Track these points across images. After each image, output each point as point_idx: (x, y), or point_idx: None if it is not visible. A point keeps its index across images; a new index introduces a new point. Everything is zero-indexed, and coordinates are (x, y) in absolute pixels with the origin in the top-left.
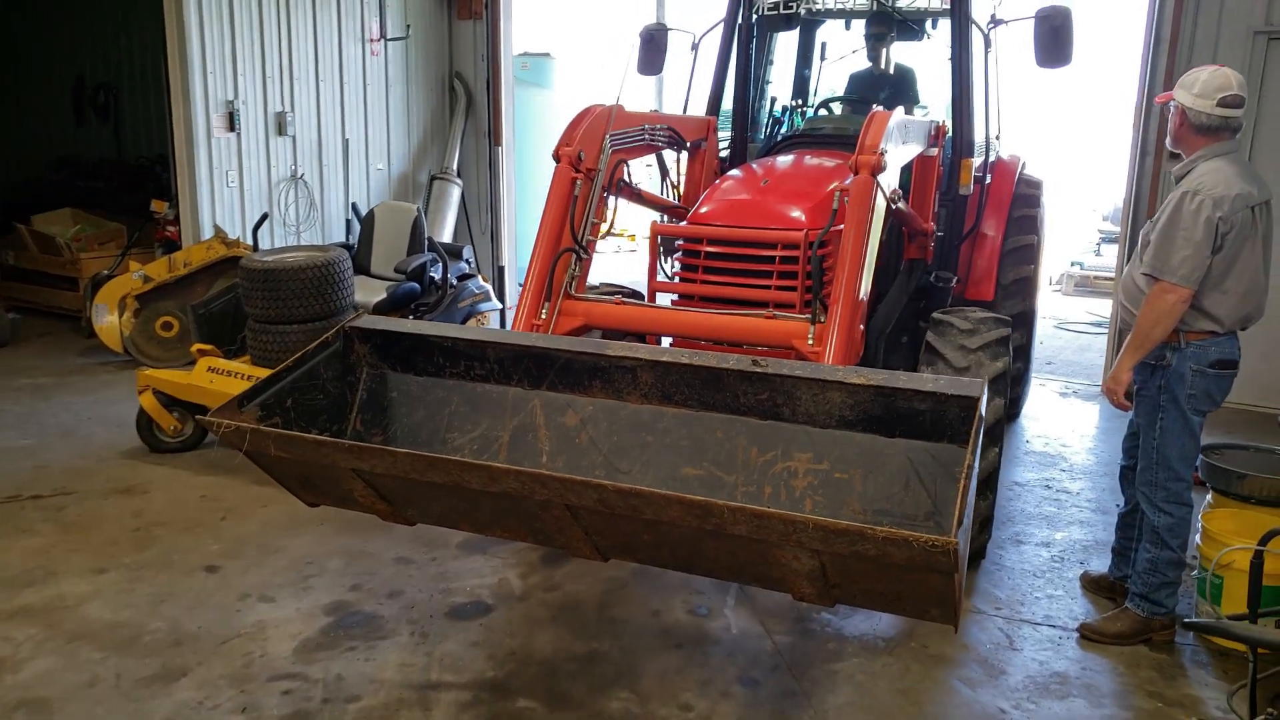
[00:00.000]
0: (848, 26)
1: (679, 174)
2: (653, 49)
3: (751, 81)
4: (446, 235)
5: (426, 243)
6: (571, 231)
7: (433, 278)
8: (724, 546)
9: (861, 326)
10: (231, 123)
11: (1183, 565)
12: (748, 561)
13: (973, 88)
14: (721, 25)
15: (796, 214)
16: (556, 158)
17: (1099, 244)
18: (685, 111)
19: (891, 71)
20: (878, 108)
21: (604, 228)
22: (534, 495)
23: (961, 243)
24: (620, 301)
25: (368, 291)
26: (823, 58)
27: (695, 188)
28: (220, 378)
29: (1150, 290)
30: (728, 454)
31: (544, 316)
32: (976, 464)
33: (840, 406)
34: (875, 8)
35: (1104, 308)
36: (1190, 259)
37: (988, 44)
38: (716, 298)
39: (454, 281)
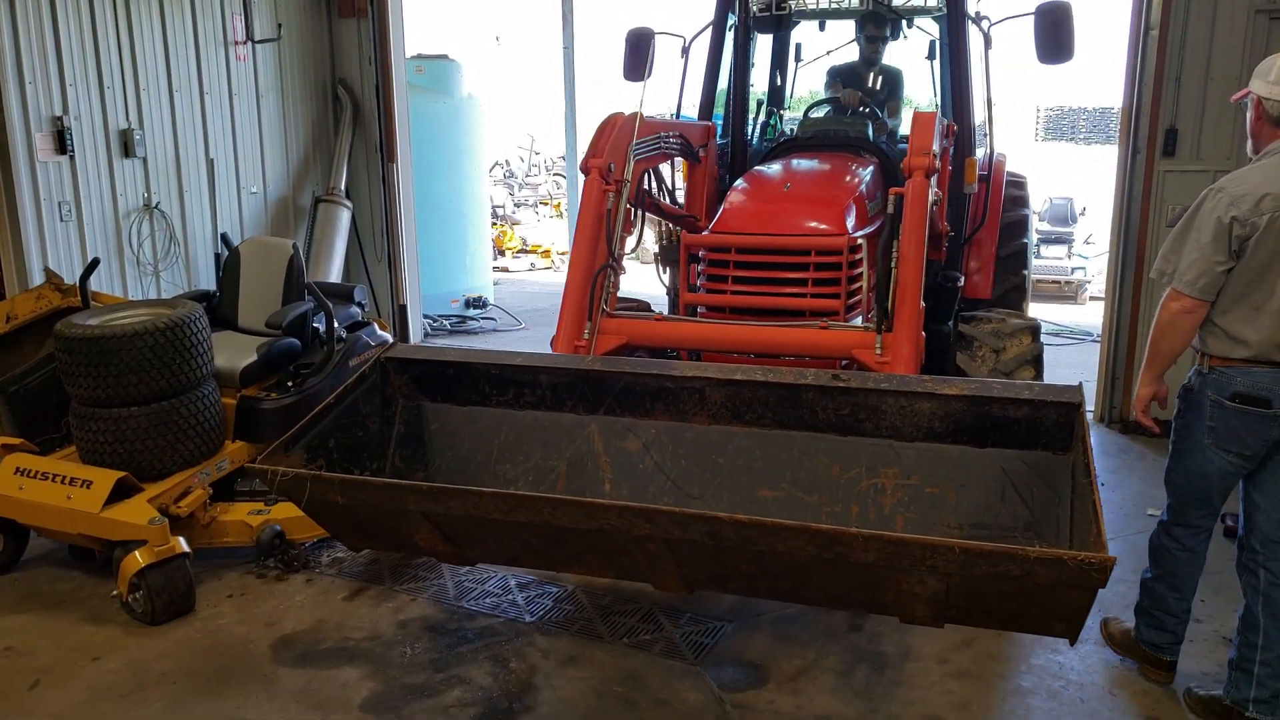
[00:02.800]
0: (822, 28)
1: (674, 183)
2: (638, 53)
3: (746, 85)
4: (337, 264)
5: (308, 286)
6: (608, 246)
7: (317, 329)
8: (837, 574)
9: (923, 333)
10: (62, 143)
11: (1176, 616)
12: (860, 587)
13: (970, 85)
14: (711, 29)
15: (830, 219)
16: (586, 170)
17: (1038, 245)
18: (678, 117)
19: (877, 71)
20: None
21: (631, 241)
22: (633, 531)
23: (967, 242)
24: (660, 318)
25: (233, 352)
26: (798, 59)
27: (698, 195)
28: (34, 483)
29: (1163, 297)
30: (808, 473)
31: (586, 337)
32: (1096, 472)
33: (929, 418)
34: (871, 7)
35: (1050, 313)
36: (1197, 264)
37: (988, 42)
38: (750, 308)
39: (343, 333)
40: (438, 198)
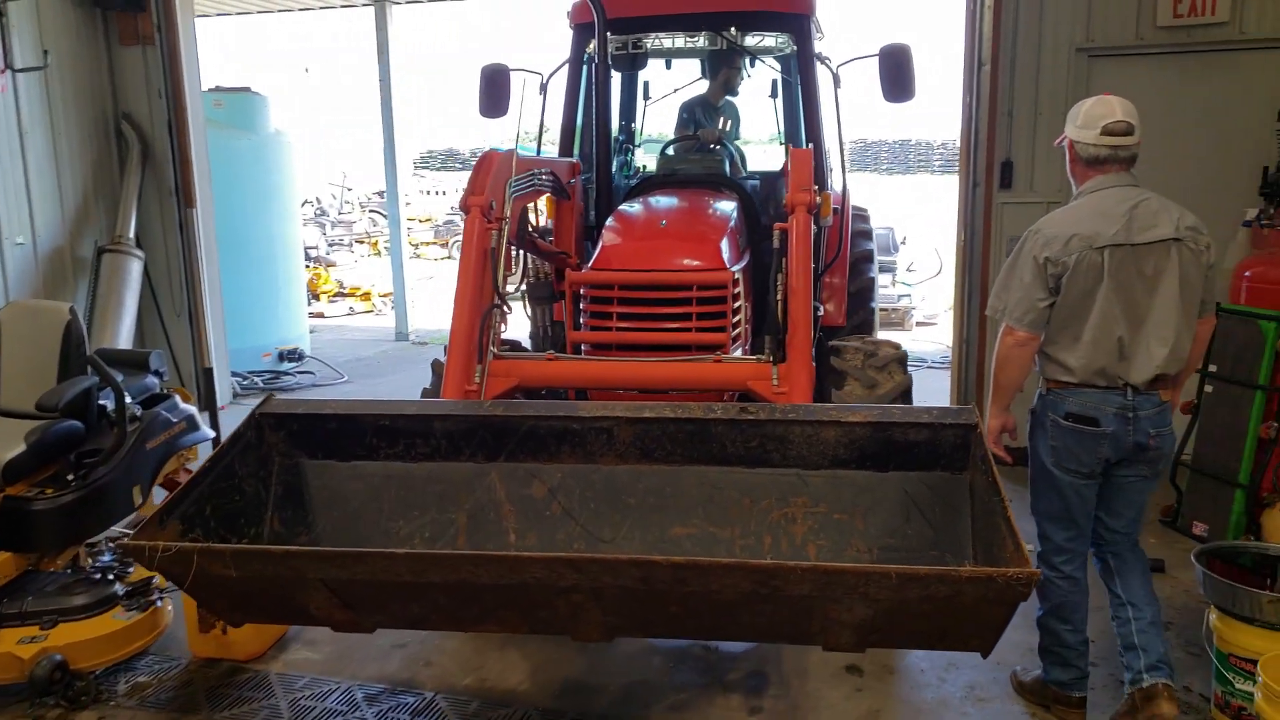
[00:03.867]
0: (669, 66)
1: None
2: (495, 90)
3: (608, 122)
4: (127, 325)
5: (90, 359)
6: (495, 286)
7: (104, 408)
8: (767, 608)
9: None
10: None
11: (1076, 650)
12: (787, 620)
13: (821, 122)
14: (568, 66)
15: (709, 254)
16: (466, 208)
17: None
18: (539, 153)
19: (721, 106)
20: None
21: (513, 281)
22: (560, 582)
23: (824, 273)
24: (553, 357)
25: None
26: (647, 97)
27: (567, 232)
28: None
29: (999, 332)
30: (719, 507)
31: (477, 381)
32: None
33: (834, 446)
34: (724, 46)
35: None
36: (1023, 301)
37: (836, 81)
38: (636, 344)
39: (137, 410)
40: (244, 242)
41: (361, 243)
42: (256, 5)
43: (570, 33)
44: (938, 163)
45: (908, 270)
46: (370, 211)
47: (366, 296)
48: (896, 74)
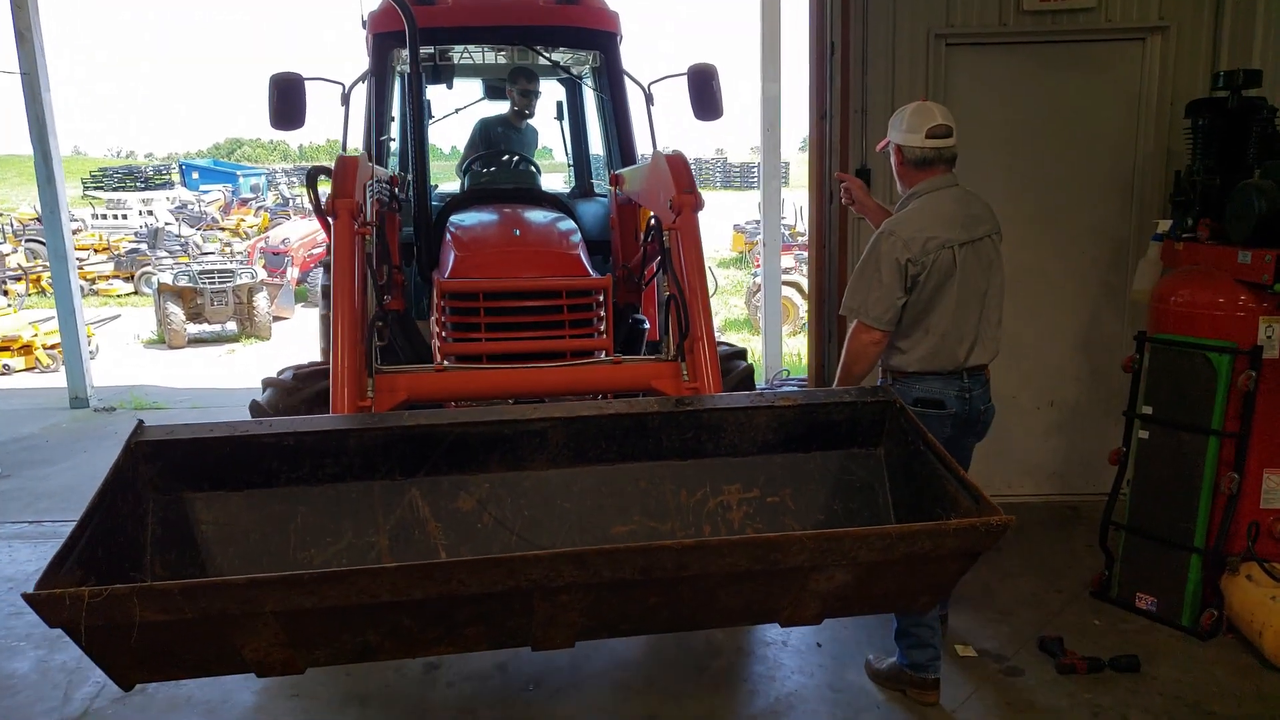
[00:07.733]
0: (450, 86)
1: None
2: (288, 100)
3: (424, 134)
4: None
5: None
6: (376, 293)
7: None
8: (747, 587)
9: None
10: None
11: (931, 628)
12: (763, 597)
13: (634, 138)
14: (372, 78)
15: (571, 262)
16: (333, 212)
17: None
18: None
19: (523, 125)
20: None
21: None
22: (557, 580)
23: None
24: (442, 368)
25: None
26: (430, 115)
27: (392, 246)
28: None
29: (850, 328)
30: (656, 502)
31: (371, 395)
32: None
33: (763, 431)
34: (533, 61)
35: None
36: (881, 301)
37: (649, 100)
38: (515, 354)
39: None
40: None
41: (19, 280)
42: None
43: (370, 40)
44: None
45: None
46: (28, 241)
47: (27, 350)
48: (705, 93)
